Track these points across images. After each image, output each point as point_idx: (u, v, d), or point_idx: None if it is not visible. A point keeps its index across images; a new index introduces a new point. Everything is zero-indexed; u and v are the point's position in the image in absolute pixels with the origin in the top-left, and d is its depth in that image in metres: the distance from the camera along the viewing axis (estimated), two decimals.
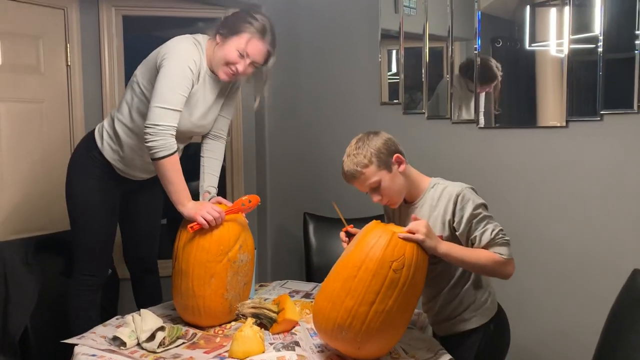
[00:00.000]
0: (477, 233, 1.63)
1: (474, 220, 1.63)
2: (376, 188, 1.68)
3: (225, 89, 2.14)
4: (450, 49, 2.51)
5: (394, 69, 2.77)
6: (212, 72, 2.03)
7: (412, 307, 1.61)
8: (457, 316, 1.75)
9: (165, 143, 1.87)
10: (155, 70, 1.94)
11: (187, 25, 3.23)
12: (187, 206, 1.89)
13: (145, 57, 2.07)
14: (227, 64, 1.98)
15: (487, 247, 1.63)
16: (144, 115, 1.98)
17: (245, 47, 1.97)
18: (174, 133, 1.90)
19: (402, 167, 1.70)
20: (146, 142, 1.88)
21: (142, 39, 3.14)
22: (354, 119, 2.90)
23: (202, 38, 2.03)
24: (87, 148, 2.14)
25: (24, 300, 2.21)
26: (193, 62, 1.94)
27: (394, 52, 2.75)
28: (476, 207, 1.64)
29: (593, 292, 2.13)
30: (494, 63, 2.40)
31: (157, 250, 2.38)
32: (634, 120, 2.00)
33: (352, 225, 1.79)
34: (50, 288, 2.32)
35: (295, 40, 3.10)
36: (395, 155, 1.69)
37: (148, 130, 1.87)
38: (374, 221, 1.65)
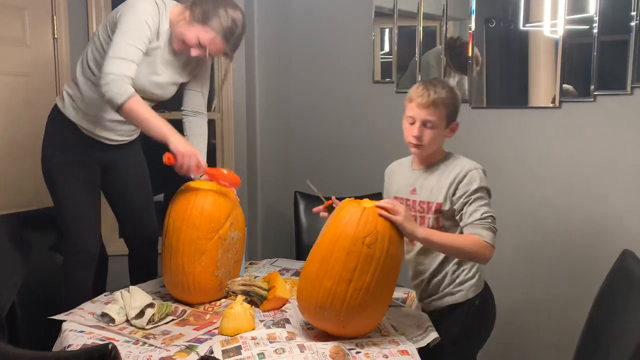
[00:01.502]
0: (469, 209, 1.65)
1: (472, 197, 1.66)
2: (425, 125, 1.70)
3: (191, 59, 2.11)
4: (444, 29, 2.49)
5: (386, 48, 2.74)
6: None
7: (393, 280, 1.61)
8: (443, 290, 1.78)
9: (120, 89, 1.81)
10: (114, 24, 1.92)
11: None
12: (176, 141, 1.83)
13: None
14: (184, 43, 1.99)
15: (471, 226, 1.64)
16: (100, 66, 1.94)
17: (205, 41, 1.96)
18: (130, 82, 1.85)
19: (450, 135, 1.76)
20: (103, 95, 1.82)
21: None
22: (347, 97, 2.87)
23: (168, 0, 2.01)
24: (52, 120, 2.09)
25: (10, 277, 2.18)
26: (151, 18, 1.92)
27: (387, 30, 2.72)
28: (480, 189, 1.66)
29: (583, 271, 2.15)
30: (476, 51, 2.40)
31: (156, 223, 2.32)
32: (627, 101, 2.01)
33: (331, 200, 1.77)
34: (37, 264, 2.29)
35: (287, 16, 3.05)
36: (456, 123, 1.76)
37: (102, 81, 1.82)
38: (346, 199, 1.65)
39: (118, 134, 2.13)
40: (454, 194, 1.69)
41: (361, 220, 1.53)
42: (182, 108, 2.25)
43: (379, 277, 1.53)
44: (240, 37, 2.03)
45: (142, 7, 1.92)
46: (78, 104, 2.05)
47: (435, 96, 1.67)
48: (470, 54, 2.41)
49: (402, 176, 1.86)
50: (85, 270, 2.12)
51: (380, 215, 1.55)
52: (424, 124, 1.70)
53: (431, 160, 1.78)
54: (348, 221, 1.54)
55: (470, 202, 1.66)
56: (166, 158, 1.83)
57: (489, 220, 1.64)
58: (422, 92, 1.69)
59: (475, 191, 1.66)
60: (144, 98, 2.04)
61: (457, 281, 1.76)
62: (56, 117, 2.08)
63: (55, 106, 2.09)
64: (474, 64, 2.40)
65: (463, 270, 1.77)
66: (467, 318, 1.76)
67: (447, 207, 1.71)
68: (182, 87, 2.20)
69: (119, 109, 1.82)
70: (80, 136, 2.06)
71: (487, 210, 1.65)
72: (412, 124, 1.72)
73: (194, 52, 2.00)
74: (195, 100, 2.23)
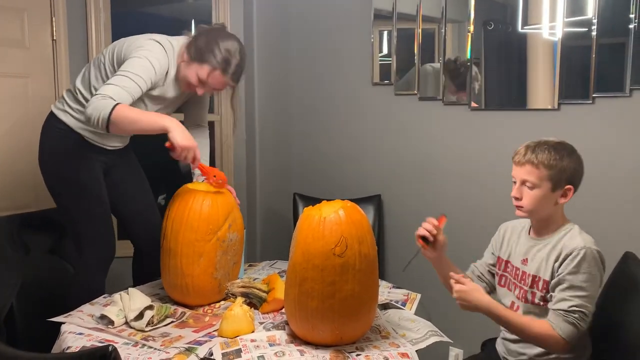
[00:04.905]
0: (559, 295, 1.49)
1: (569, 283, 1.48)
2: (525, 184, 1.56)
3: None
4: (443, 31, 2.49)
5: (384, 50, 2.74)
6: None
7: (375, 277, 1.60)
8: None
9: (99, 105, 1.74)
10: (121, 59, 1.92)
11: (175, 1, 3.18)
12: (175, 135, 1.78)
13: (132, 34, 2.04)
14: (189, 84, 2.01)
15: (553, 313, 1.49)
16: None
17: (205, 77, 1.98)
18: (115, 100, 1.79)
19: (563, 200, 1.56)
20: (89, 119, 1.76)
21: (130, 15, 3.07)
22: (346, 99, 2.88)
23: (177, 41, 2.02)
24: (51, 130, 2.05)
25: (8, 279, 2.18)
26: (158, 62, 1.92)
27: (385, 32, 2.73)
28: (583, 272, 1.47)
29: None
30: (474, 71, 2.40)
31: (160, 220, 2.32)
32: (626, 103, 2.01)
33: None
34: (36, 267, 2.29)
35: (286, 18, 3.05)
36: (569, 186, 1.56)
37: (87, 106, 1.78)
38: (305, 210, 1.62)
39: (119, 141, 2.15)
40: (558, 271, 1.51)
41: (325, 232, 1.51)
42: (184, 119, 2.27)
43: (360, 279, 1.52)
44: (240, 66, 2.01)
45: (152, 48, 1.93)
46: (80, 117, 2.03)
47: (532, 155, 1.55)
48: (468, 56, 2.41)
49: (517, 241, 1.69)
50: (103, 275, 2.12)
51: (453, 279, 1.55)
52: (522, 183, 1.57)
53: (546, 231, 1.60)
54: (313, 236, 1.52)
55: (564, 286, 1.48)
56: (169, 143, 1.80)
57: (576, 316, 1.46)
58: (521, 151, 1.59)
59: (575, 274, 1.47)
60: None
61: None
62: (55, 127, 2.04)
63: (54, 115, 2.06)
64: (475, 80, 2.40)
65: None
66: None
67: (539, 295, 1.57)
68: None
69: (107, 124, 1.75)
70: (82, 142, 2.05)
71: (580, 304, 1.46)
72: (515, 183, 1.60)
73: (200, 91, 2.02)
74: (199, 115, 2.27)
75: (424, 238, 1.67)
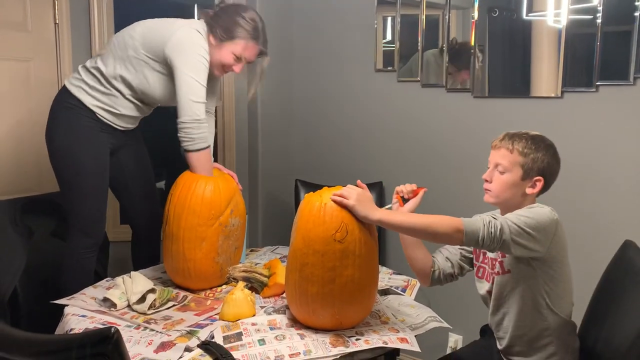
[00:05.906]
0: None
1: (516, 212, 1.51)
2: (497, 168, 1.58)
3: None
4: (447, 18, 2.48)
5: (388, 37, 2.73)
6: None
7: (375, 263, 1.60)
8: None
9: (205, 135, 1.95)
10: (162, 54, 1.96)
11: None
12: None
13: (135, 17, 2.05)
14: (224, 66, 2.05)
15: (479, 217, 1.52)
16: (125, 81, 2.01)
17: (241, 52, 2.03)
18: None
19: (531, 191, 1.56)
20: (190, 135, 1.92)
21: None
22: (348, 85, 2.87)
23: (202, 28, 2.03)
24: (64, 105, 2.05)
25: (12, 261, 2.19)
26: (205, 51, 1.99)
27: (389, 19, 2.71)
28: (529, 213, 1.47)
29: (584, 261, 2.15)
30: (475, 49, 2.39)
31: (159, 206, 2.29)
32: (630, 91, 2.00)
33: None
34: (39, 249, 2.30)
35: (289, 4, 3.03)
36: (539, 177, 1.55)
37: (190, 124, 1.91)
38: (306, 196, 1.63)
39: (129, 122, 2.15)
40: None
41: (325, 218, 1.51)
42: None
43: (361, 265, 1.53)
44: (264, 31, 2.09)
45: (198, 41, 1.98)
46: (95, 94, 2.04)
47: (509, 141, 1.57)
48: (472, 43, 2.40)
49: None
50: (94, 254, 2.13)
51: (334, 202, 1.53)
52: (495, 166, 1.59)
53: None
54: (314, 222, 1.52)
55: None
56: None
57: (494, 224, 1.43)
58: (500, 136, 1.61)
59: (523, 211, 1.49)
60: (156, 105, 2.17)
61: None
62: (68, 102, 2.04)
63: (67, 91, 2.05)
64: (476, 58, 2.39)
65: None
66: None
67: (507, 259, 1.56)
68: None
69: (195, 151, 1.94)
70: (94, 120, 2.05)
71: (512, 222, 1.44)
72: (489, 168, 1.62)
73: (237, 68, 2.07)
74: (209, 101, 2.25)
75: (402, 197, 1.72)
